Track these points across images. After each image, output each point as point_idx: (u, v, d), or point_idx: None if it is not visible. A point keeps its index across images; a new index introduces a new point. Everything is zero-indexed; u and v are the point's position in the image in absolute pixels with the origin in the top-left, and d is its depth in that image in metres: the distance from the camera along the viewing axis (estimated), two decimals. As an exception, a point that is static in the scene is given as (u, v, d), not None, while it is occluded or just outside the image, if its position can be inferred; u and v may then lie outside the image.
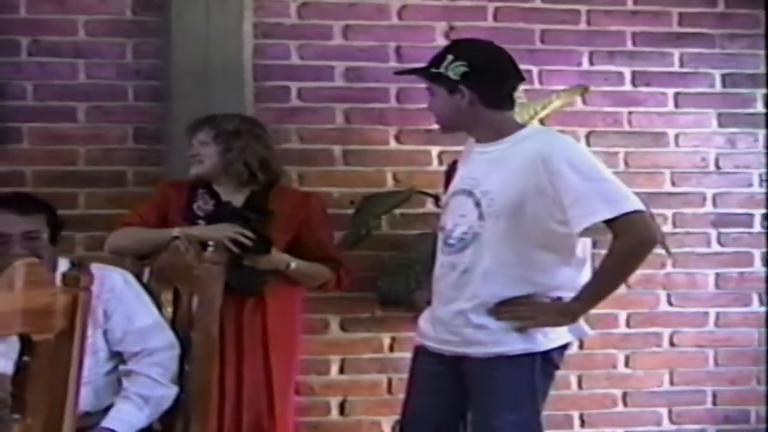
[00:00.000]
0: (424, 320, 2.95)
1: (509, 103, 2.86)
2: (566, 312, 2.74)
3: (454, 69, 2.77)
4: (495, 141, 2.81)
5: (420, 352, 2.95)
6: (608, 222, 2.64)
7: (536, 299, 2.74)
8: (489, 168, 2.79)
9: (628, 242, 2.66)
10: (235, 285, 3.20)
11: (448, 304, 2.82)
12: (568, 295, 2.74)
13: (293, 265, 3.35)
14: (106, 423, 2.72)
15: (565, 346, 2.80)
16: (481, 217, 2.74)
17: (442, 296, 2.86)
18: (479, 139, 2.85)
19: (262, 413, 3.37)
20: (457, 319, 2.79)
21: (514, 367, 2.74)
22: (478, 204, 2.75)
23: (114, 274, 2.95)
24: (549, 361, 2.77)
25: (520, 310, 2.73)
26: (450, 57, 2.80)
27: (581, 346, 4.03)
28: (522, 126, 2.90)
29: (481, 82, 2.77)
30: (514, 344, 2.73)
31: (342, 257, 3.54)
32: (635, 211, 2.65)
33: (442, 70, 2.79)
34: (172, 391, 2.83)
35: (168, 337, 2.90)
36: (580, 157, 2.73)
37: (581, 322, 2.80)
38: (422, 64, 2.92)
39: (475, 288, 2.75)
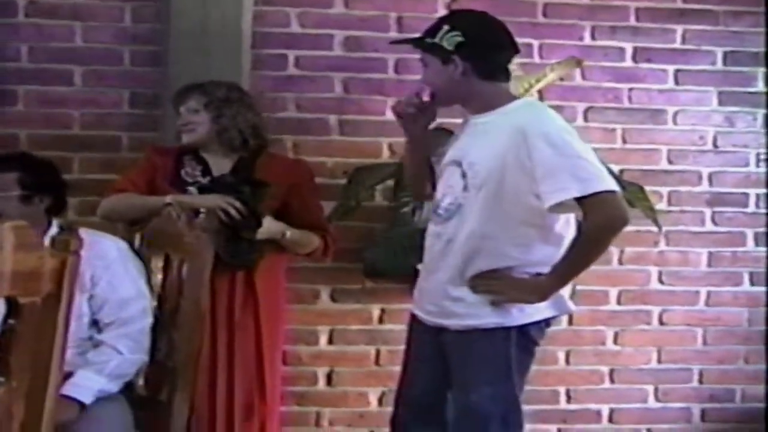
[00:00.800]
0: (416, 289, 2.96)
1: (503, 74, 2.83)
2: (536, 289, 2.72)
3: (449, 39, 2.75)
4: (486, 112, 2.79)
5: (413, 320, 2.96)
6: (579, 200, 2.62)
7: (512, 274, 2.73)
8: (476, 139, 2.78)
9: (597, 222, 2.63)
10: (229, 260, 3.22)
11: (431, 274, 2.83)
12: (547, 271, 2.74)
13: (288, 234, 3.34)
14: (63, 390, 2.62)
15: (544, 322, 2.78)
16: (465, 188, 2.73)
17: (428, 266, 2.87)
18: (472, 111, 2.84)
19: (253, 385, 3.38)
20: (438, 289, 2.80)
21: (489, 341, 2.73)
22: (464, 175, 2.74)
23: (107, 242, 2.96)
24: (525, 335, 2.75)
25: (494, 284, 2.72)
26: (446, 27, 2.78)
27: (570, 322, 4.06)
28: (514, 98, 2.87)
29: (476, 53, 2.75)
30: (488, 317, 2.72)
31: (328, 225, 3.54)
32: (606, 191, 2.62)
33: (437, 40, 2.77)
34: (137, 358, 2.86)
35: (144, 308, 2.91)
36: (557, 133, 2.69)
37: (565, 298, 2.80)
38: (418, 35, 2.90)
39: (454, 258, 2.74)
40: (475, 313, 2.74)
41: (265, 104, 3.81)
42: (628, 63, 4.21)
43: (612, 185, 2.65)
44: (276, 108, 3.88)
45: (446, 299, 2.78)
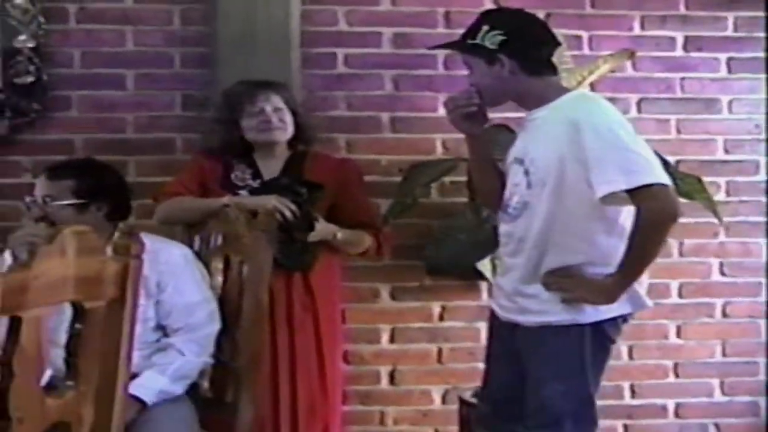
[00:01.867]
0: (494, 285, 2.99)
1: (550, 68, 2.81)
2: (604, 290, 2.68)
3: (491, 38, 2.73)
4: (539, 107, 2.77)
5: (492, 316, 2.96)
6: (629, 193, 2.59)
7: (585, 272, 2.70)
8: (533, 135, 2.77)
9: (646, 216, 2.59)
10: (285, 262, 3.23)
11: (506, 272, 2.84)
12: None
13: (339, 235, 3.34)
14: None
15: (620, 318, 2.75)
16: (529, 185, 2.72)
17: (503, 264, 2.89)
18: (526, 107, 2.82)
19: (315, 385, 3.38)
20: (512, 286, 2.79)
21: (562, 337, 2.72)
22: (526, 172, 2.73)
23: (173, 248, 2.99)
24: (600, 332, 2.73)
25: (565, 282, 2.70)
26: (485, 27, 2.76)
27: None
28: (566, 91, 2.84)
29: (520, 49, 2.73)
30: (561, 314, 2.71)
31: (380, 222, 3.53)
32: (655, 184, 2.58)
33: (478, 40, 2.75)
34: (200, 361, 2.88)
35: (211, 313, 2.92)
36: (606, 124, 2.66)
37: (640, 293, 2.76)
38: (457, 39, 2.89)
39: (526, 256, 2.73)
40: (548, 309, 2.72)
41: (316, 103, 3.81)
42: (679, 52, 4.15)
43: (662, 178, 2.60)
44: (327, 107, 3.87)
45: (520, 296, 2.77)
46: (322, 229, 3.30)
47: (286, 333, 3.33)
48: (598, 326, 2.72)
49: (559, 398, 2.70)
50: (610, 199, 2.61)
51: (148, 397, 2.74)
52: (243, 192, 3.35)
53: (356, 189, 3.47)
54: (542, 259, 2.72)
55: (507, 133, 3.43)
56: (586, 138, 2.61)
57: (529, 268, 2.74)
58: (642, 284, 2.81)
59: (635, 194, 2.58)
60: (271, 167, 3.40)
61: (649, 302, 2.84)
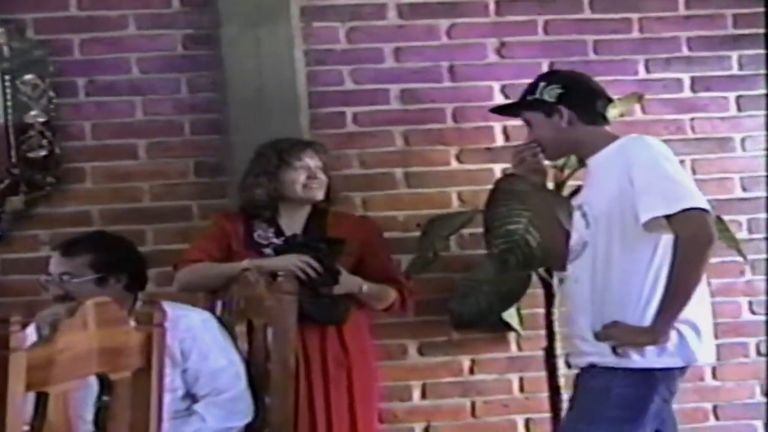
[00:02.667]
0: None
1: (604, 120, 2.97)
2: (647, 330, 2.71)
3: (549, 92, 2.92)
4: (594, 155, 2.90)
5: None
6: (669, 220, 2.67)
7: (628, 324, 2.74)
8: (590, 181, 2.95)
9: (683, 239, 2.65)
10: (318, 317, 3.25)
11: (569, 316, 2.97)
12: None
13: (365, 287, 3.33)
14: None
15: (676, 370, 2.79)
16: (587, 226, 2.84)
17: (567, 309, 3.04)
18: (584, 156, 2.97)
19: None
20: (572, 329, 2.93)
21: (598, 379, 2.77)
22: (584, 215, 2.87)
23: (192, 314, 2.97)
24: (647, 381, 2.74)
25: (612, 331, 2.74)
26: (542, 84, 2.95)
27: None
28: (617, 137, 2.94)
29: (578, 101, 2.91)
30: (606, 357, 2.75)
31: (404, 278, 3.54)
32: (694, 208, 2.66)
33: (537, 95, 2.93)
34: (223, 427, 2.85)
35: (235, 374, 2.90)
36: (651, 156, 2.79)
37: (692, 348, 2.77)
38: (515, 100, 3.12)
39: (581, 295, 2.84)
40: (597, 351, 2.78)
41: (329, 162, 3.79)
42: (687, 93, 4.16)
43: (701, 203, 2.69)
44: (340, 165, 3.85)
45: (577, 338, 2.86)
46: (348, 281, 3.30)
47: (322, 390, 3.32)
48: (642, 374, 2.73)
49: None
50: (653, 226, 2.70)
51: None
52: (268, 250, 3.35)
53: (378, 245, 3.48)
54: (598, 297, 2.78)
55: (521, 181, 3.44)
56: (634, 171, 2.74)
57: (584, 307, 2.82)
58: (702, 340, 2.81)
59: (673, 219, 2.66)
60: (293, 225, 3.41)
61: (704, 358, 2.86)
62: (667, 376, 2.77)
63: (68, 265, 2.92)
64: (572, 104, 2.90)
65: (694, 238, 2.65)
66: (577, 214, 2.91)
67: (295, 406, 3.16)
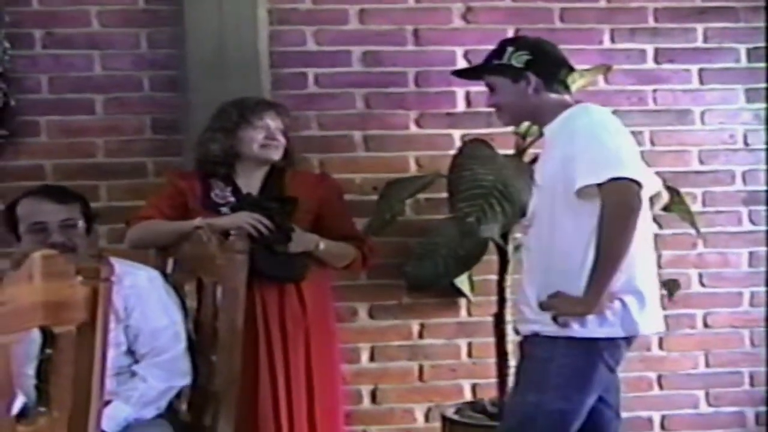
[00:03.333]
0: None
1: (565, 87, 2.99)
2: (581, 300, 2.72)
3: (517, 58, 2.93)
4: (551, 122, 2.92)
5: None
6: (599, 188, 2.68)
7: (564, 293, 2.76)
8: (544, 151, 3.00)
9: (607, 208, 2.67)
10: (274, 274, 3.24)
11: (521, 283, 2.98)
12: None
13: (322, 245, 3.33)
14: None
15: (620, 340, 2.81)
16: (536, 196, 2.90)
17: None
18: (543, 123, 2.97)
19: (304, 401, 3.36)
20: (520, 295, 2.98)
21: (548, 348, 2.78)
22: (535, 184, 2.92)
23: (139, 272, 2.95)
24: (589, 350, 2.76)
25: (553, 301, 2.77)
26: (510, 49, 2.96)
27: None
28: (571, 106, 2.96)
29: (544, 68, 2.93)
30: (548, 325, 2.78)
31: (364, 235, 3.53)
32: (621, 178, 2.66)
33: (504, 61, 2.94)
34: (165, 386, 2.85)
35: (174, 335, 2.90)
36: (590, 126, 2.82)
37: (635, 319, 2.79)
38: (479, 63, 3.09)
39: (529, 264, 2.89)
40: (539, 319, 2.80)
41: (290, 125, 3.77)
42: (651, 65, 4.16)
43: (629, 173, 2.69)
44: (299, 126, 3.83)
45: (523, 305, 2.89)
46: (303, 239, 3.29)
47: (281, 348, 3.31)
48: (584, 343, 2.75)
49: (528, 408, 2.80)
50: (587, 195, 2.71)
51: (111, 428, 2.69)
52: (225, 209, 3.32)
53: (337, 203, 3.48)
54: (540, 265, 2.82)
55: (485, 148, 3.45)
56: (574, 141, 2.76)
57: (530, 275, 2.86)
58: (646, 311, 2.83)
59: (602, 189, 2.67)
60: (250, 185, 3.39)
61: (648, 328, 2.88)
62: (610, 345, 2.79)
63: (67, 211, 2.90)
64: (539, 71, 2.91)
65: (615, 207, 2.66)
66: (533, 185, 2.95)
67: (255, 365, 3.23)
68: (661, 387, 4.15)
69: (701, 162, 4.16)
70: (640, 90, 4.14)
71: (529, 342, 2.89)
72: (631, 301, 2.78)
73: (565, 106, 2.93)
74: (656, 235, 3.84)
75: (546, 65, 2.94)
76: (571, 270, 2.72)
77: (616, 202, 2.66)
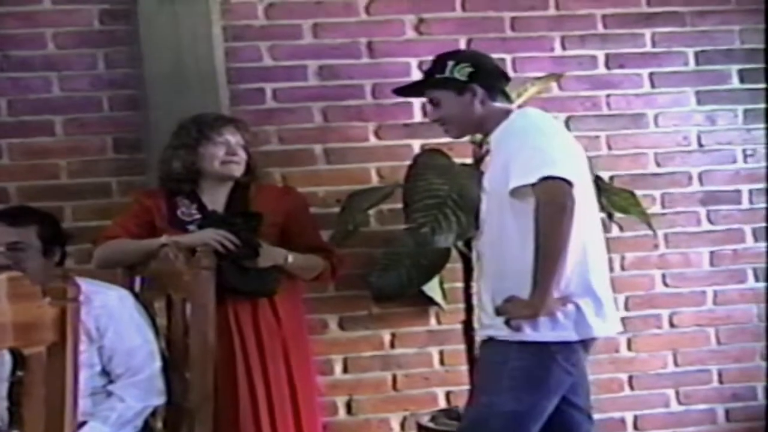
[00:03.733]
0: None
1: (506, 97, 3.05)
2: (529, 303, 2.73)
3: (460, 71, 2.96)
4: (495, 130, 2.95)
5: None
6: (532, 188, 2.70)
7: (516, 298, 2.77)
8: (491, 158, 3.01)
9: (540, 207, 2.68)
10: (247, 289, 3.25)
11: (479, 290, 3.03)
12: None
13: (290, 258, 3.32)
14: None
15: (576, 344, 2.82)
16: (487, 201, 2.91)
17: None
18: (488, 133, 3.00)
19: (290, 413, 3.36)
20: (479, 302, 3.01)
21: (501, 352, 2.80)
22: (484, 190, 2.96)
23: (108, 291, 2.95)
24: (542, 354, 2.77)
25: (505, 305, 2.78)
26: (451, 62, 2.99)
27: None
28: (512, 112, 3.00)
29: (486, 79, 2.98)
30: (501, 330, 2.79)
31: (332, 246, 3.53)
32: (552, 177, 2.68)
33: (447, 74, 2.96)
34: (141, 406, 2.85)
35: (149, 353, 2.90)
36: (522, 128, 2.87)
37: (590, 323, 2.81)
38: (421, 78, 3.17)
39: (481, 269, 2.92)
40: (493, 324, 2.83)
41: (250, 140, 3.77)
42: (602, 70, 4.21)
43: (559, 172, 2.69)
44: (259, 141, 3.81)
45: (481, 311, 2.91)
46: (271, 253, 3.29)
47: (259, 363, 3.30)
48: (536, 347, 2.77)
49: (482, 409, 2.83)
50: (522, 195, 2.73)
51: None
52: (192, 227, 3.32)
53: (302, 215, 3.48)
54: (490, 269, 2.83)
55: (441, 157, 3.48)
56: (510, 144, 2.80)
57: (484, 282, 2.85)
58: (602, 314, 2.85)
59: (535, 189, 2.69)
60: (215, 201, 3.39)
61: (603, 331, 2.88)
62: (564, 348, 2.79)
63: (18, 234, 2.89)
64: (483, 83, 2.96)
65: (547, 206, 2.67)
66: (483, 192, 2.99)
67: (234, 381, 3.23)
68: (632, 387, 4.19)
69: (658, 164, 4.21)
70: (593, 95, 4.19)
71: (484, 346, 2.91)
72: (586, 304, 2.80)
73: (508, 113, 2.97)
74: (618, 238, 3.95)
75: (488, 76, 2.99)
76: (521, 272, 2.70)
77: (548, 201, 2.67)
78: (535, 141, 2.79)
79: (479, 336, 2.96)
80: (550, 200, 2.66)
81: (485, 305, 2.86)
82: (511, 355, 2.77)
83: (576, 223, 2.68)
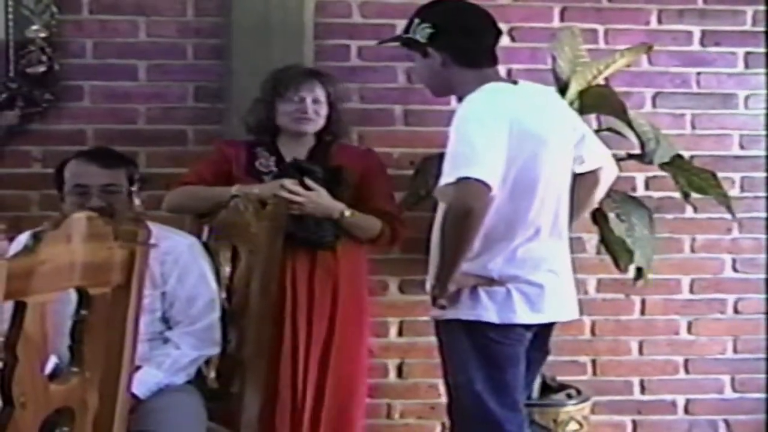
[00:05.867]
0: None
1: (487, 59, 2.79)
2: (433, 287, 2.75)
3: (420, 32, 2.76)
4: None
5: None
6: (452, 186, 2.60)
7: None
8: None
9: (449, 208, 2.60)
10: (301, 235, 3.23)
11: None
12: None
13: (347, 213, 3.31)
14: None
15: (499, 325, 2.75)
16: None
17: None
18: (462, 98, 2.78)
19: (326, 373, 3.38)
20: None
21: (451, 333, 2.79)
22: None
23: (177, 237, 2.98)
24: (474, 331, 2.74)
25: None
26: (416, 20, 2.79)
27: (643, 312, 4.07)
28: (488, 82, 2.77)
29: (449, 42, 2.73)
30: (449, 312, 2.78)
31: (398, 212, 3.51)
32: (463, 178, 2.55)
33: (410, 34, 2.79)
34: (197, 354, 2.88)
35: (210, 303, 2.92)
36: (459, 121, 2.67)
37: (515, 308, 2.75)
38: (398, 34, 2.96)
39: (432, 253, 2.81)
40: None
41: (336, 94, 3.77)
42: (696, 47, 4.12)
43: (470, 173, 2.55)
44: (339, 98, 3.83)
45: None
46: (328, 204, 3.28)
47: (305, 317, 3.32)
48: (464, 324, 2.75)
49: (452, 391, 2.82)
50: (442, 194, 2.64)
51: (142, 392, 2.72)
52: (267, 178, 3.35)
53: (376, 176, 3.47)
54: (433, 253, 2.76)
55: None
56: (452, 136, 2.66)
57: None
58: (538, 301, 2.79)
59: (452, 187, 2.58)
60: (295, 154, 3.40)
61: (529, 319, 2.78)
62: (497, 327, 2.72)
63: (110, 176, 2.92)
64: (442, 46, 2.73)
65: (449, 206, 2.59)
66: None
67: (280, 330, 3.23)
68: (687, 371, 4.13)
69: (742, 147, 4.12)
70: (684, 72, 4.10)
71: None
72: (517, 290, 2.74)
73: (483, 80, 2.72)
74: (691, 219, 3.88)
75: (450, 38, 2.73)
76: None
77: (456, 203, 2.57)
78: (465, 136, 2.61)
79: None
80: (459, 203, 2.56)
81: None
82: (447, 335, 2.79)
83: (521, 213, 2.67)
